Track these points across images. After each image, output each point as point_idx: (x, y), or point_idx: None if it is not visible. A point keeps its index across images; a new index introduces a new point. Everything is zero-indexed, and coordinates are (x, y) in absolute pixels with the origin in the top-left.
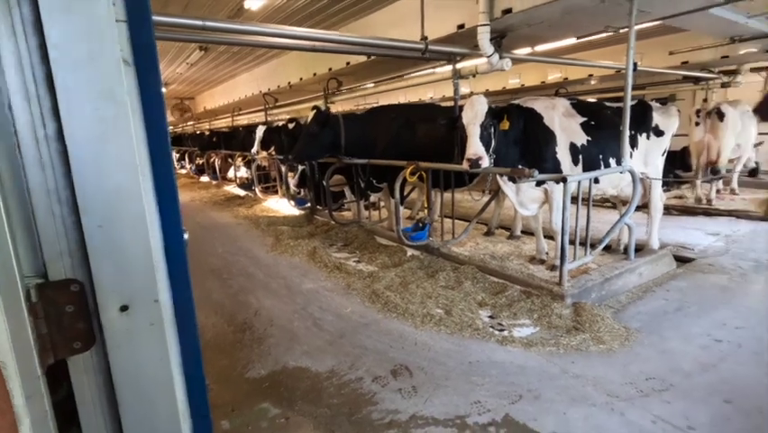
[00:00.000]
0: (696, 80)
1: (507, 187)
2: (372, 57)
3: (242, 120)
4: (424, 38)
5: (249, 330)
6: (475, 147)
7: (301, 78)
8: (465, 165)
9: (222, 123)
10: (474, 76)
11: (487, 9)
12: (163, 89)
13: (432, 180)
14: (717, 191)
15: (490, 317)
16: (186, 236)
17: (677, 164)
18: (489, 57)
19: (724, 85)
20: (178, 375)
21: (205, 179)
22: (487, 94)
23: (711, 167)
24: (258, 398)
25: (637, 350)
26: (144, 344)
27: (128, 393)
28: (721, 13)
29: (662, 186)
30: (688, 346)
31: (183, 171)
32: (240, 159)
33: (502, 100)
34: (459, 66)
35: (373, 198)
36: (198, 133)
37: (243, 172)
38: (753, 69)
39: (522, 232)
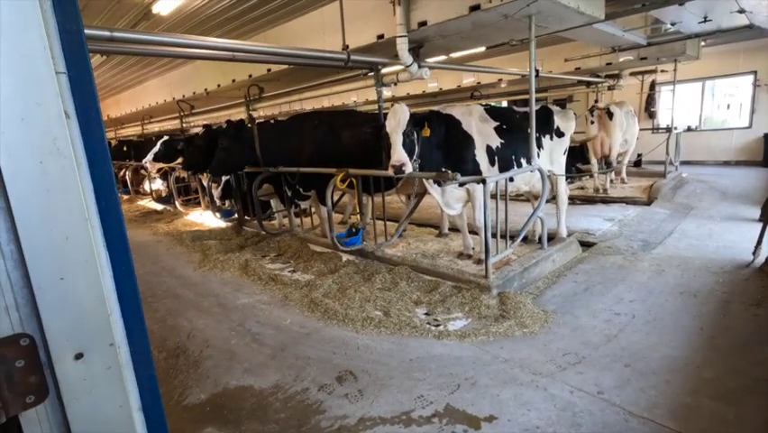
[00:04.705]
0: (587, 84)
1: (433, 189)
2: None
3: (154, 128)
4: (345, 47)
5: (183, 354)
6: (399, 154)
7: (219, 85)
8: (390, 171)
9: (130, 131)
10: (396, 84)
11: (404, 21)
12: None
13: (361, 185)
14: (611, 181)
15: (426, 313)
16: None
17: (577, 158)
18: (408, 66)
19: (610, 88)
20: (139, 419)
21: None
22: (408, 97)
23: (605, 160)
24: (200, 424)
25: (555, 330)
26: (102, 389)
27: None
28: (603, 27)
29: (566, 180)
30: (595, 321)
31: None
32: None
33: (423, 103)
34: (381, 72)
35: (303, 205)
36: None
37: (159, 185)
38: (632, 74)
39: (449, 229)
